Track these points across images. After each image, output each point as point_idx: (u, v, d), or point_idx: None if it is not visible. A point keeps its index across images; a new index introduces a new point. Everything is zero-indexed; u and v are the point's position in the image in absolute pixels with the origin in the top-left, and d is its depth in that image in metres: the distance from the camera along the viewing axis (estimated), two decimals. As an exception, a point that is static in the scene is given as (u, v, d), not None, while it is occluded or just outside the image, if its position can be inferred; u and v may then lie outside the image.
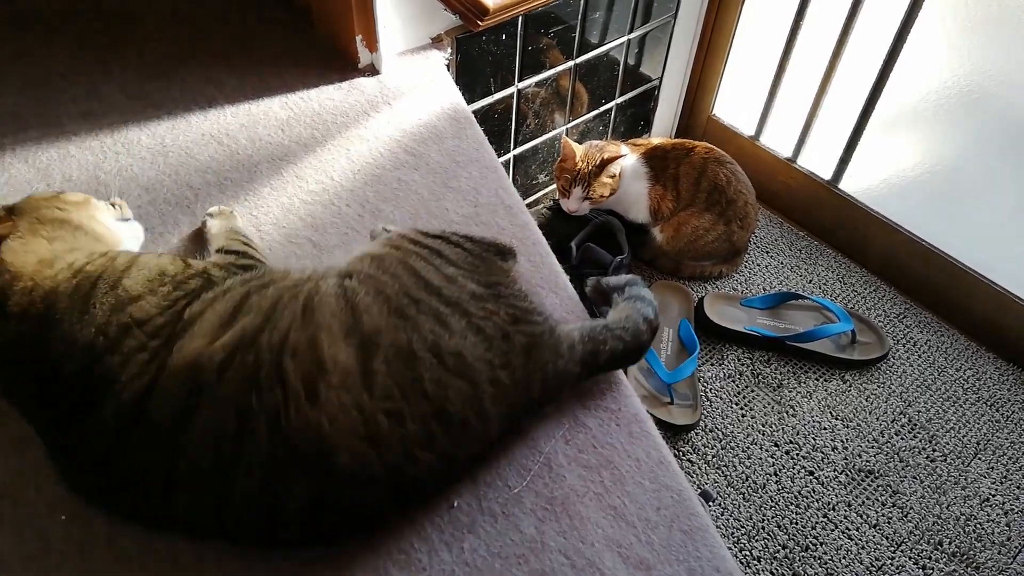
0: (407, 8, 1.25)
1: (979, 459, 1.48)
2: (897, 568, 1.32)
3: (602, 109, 1.79)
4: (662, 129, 2.04)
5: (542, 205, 1.78)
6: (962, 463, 1.47)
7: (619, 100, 1.81)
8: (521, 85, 1.52)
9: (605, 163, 1.58)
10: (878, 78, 1.64)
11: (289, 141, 1.13)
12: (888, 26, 1.58)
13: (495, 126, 1.55)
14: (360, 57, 1.26)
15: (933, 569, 1.33)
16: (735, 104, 1.99)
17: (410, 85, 1.25)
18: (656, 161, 1.65)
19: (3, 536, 0.70)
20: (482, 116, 1.49)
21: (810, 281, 1.79)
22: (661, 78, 1.89)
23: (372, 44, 1.24)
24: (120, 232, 0.88)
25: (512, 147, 1.63)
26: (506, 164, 1.65)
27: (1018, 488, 1.44)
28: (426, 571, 0.70)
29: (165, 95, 1.19)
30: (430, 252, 0.77)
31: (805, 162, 1.89)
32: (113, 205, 0.92)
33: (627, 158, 1.62)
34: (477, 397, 0.68)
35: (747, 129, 1.98)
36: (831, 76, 1.73)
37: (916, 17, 1.53)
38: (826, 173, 1.85)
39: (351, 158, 1.11)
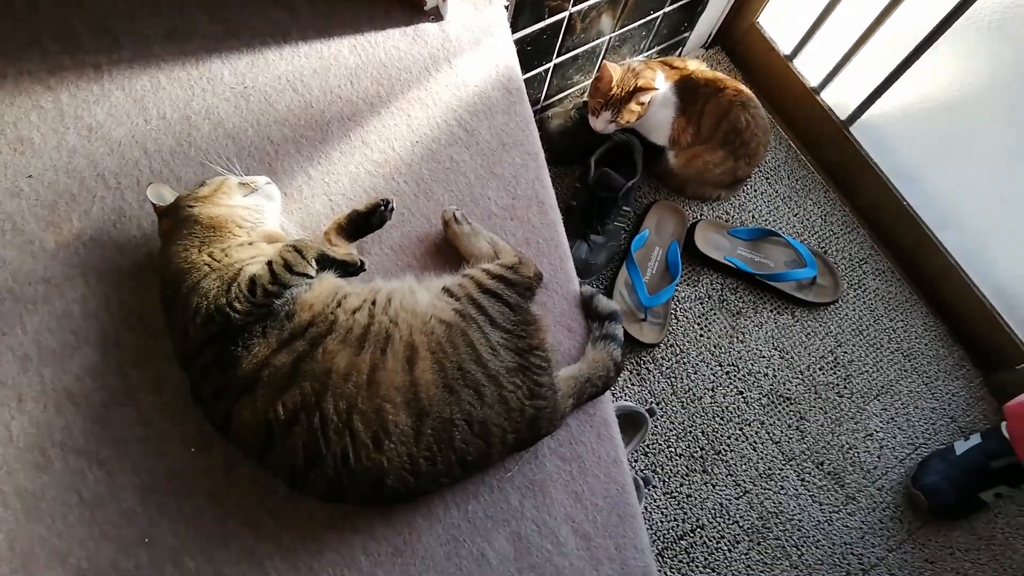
0: (479, -44, 1.28)
1: (877, 400, 1.83)
2: (782, 477, 1.73)
3: (650, 17, 1.81)
4: (703, 29, 2.06)
5: (572, 106, 1.88)
6: (863, 402, 1.83)
7: (668, 8, 1.83)
8: (574, 9, 1.56)
9: (638, 90, 1.68)
10: (926, 38, 1.67)
11: (356, 97, 1.25)
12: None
13: (542, 44, 1.61)
14: (427, 0, 1.31)
15: (810, 482, 1.73)
16: (781, 18, 2.00)
17: (470, 39, 1.32)
18: (687, 93, 1.74)
19: (150, 459, 1.00)
20: (531, 38, 1.55)
21: (795, 215, 1.98)
22: (716, -18, 1.88)
23: (441, -9, 1.29)
24: (253, 208, 1.06)
25: (555, 57, 1.70)
26: (545, 72, 1.73)
27: (899, 429, 1.81)
28: (441, 522, 1.03)
29: (241, 18, 1.26)
30: (485, 318, 0.99)
31: (828, 96, 1.98)
32: (242, 184, 1.08)
33: (659, 89, 1.71)
34: (488, 452, 0.96)
35: (785, 47, 2.01)
36: (883, 20, 1.75)
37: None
38: (843, 113, 1.95)
39: (411, 126, 1.25)
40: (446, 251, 1.18)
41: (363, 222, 1.11)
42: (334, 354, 0.93)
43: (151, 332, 1.05)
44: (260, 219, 1.07)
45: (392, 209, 1.12)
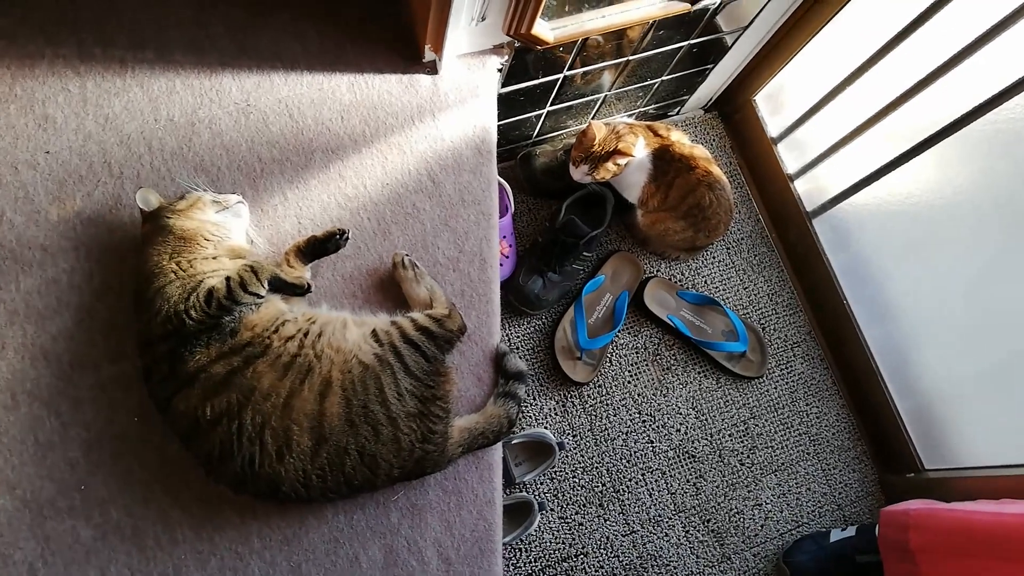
0: (479, 25, 1.41)
1: (774, 475, 2.00)
2: (669, 526, 1.91)
3: (649, 82, 1.93)
4: (703, 95, 2.17)
5: (561, 147, 2.02)
6: (761, 474, 2.00)
7: (666, 77, 1.94)
8: (569, 73, 1.69)
9: (616, 153, 1.81)
10: (909, 151, 1.75)
11: (344, 132, 1.40)
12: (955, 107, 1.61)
13: (535, 96, 1.74)
14: (425, 53, 1.45)
15: (693, 536, 1.92)
16: (777, 101, 2.11)
17: (457, 96, 1.46)
18: (661, 163, 1.87)
19: (99, 420, 1.19)
20: (524, 91, 1.68)
21: (745, 288, 2.13)
22: (719, 60, 1.99)
23: (438, 49, 1.42)
24: (221, 224, 1.22)
25: (548, 106, 1.83)
26: (537, 117, 1.87)
27: (787, 506, 1.99)
28: (328, 523, 1.22)
29: (257, 40, 1.40)
30: (400, 366, 1.15)
31: (800, 184, 2.10)
32: (216, 202, 1.24)
33: (636, 156, 1.84)
34: (373, 481, 1.14)
35: (773, 129, 2.13)
36: (866, 129, 1.86)
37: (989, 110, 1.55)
38: (811, 204, 2.08)
39: (386, 168, 1.40)
40: (390, 287, 1.35)
41: (319, 247, 1.28)
42: (261, 375, 1.11)
43: (122, 310, 1.23)
44: (227, 234, 1.23)
45: (347, 239, 1.28)
